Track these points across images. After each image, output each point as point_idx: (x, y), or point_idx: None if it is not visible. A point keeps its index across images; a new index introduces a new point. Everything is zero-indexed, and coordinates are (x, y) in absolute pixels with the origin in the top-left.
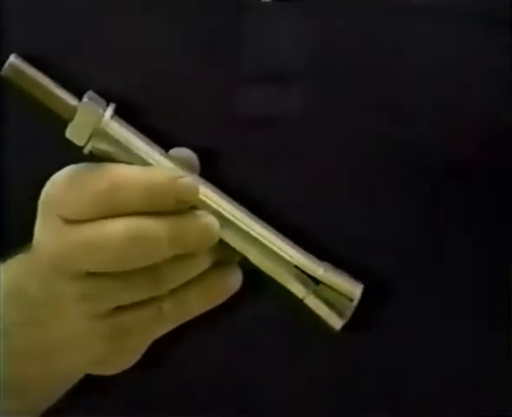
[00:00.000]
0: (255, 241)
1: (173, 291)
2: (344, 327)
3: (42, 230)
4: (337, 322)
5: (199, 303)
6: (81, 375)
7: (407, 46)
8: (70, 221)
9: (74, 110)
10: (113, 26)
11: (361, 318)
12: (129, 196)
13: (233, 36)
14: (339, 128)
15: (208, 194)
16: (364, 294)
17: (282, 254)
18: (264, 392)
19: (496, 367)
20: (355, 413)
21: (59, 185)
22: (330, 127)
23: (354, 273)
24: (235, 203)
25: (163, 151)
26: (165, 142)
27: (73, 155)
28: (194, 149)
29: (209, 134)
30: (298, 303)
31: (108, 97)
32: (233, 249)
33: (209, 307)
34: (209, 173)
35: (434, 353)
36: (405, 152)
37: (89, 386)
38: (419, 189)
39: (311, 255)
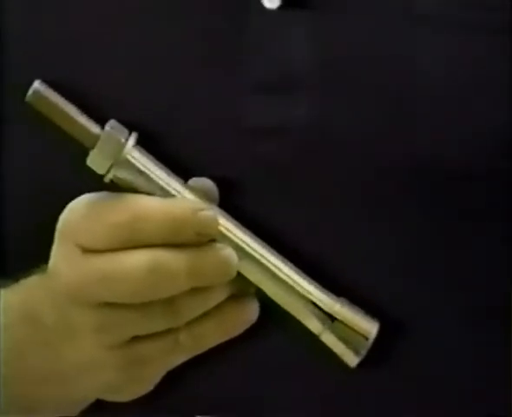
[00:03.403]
0: (273, 275)
1: (190, 322)
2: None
3: (59, 257)
4: (352, 360)
5: (215, 335)
6: (93, 400)
7: (408, 51)
8: (88, 251)
9: (96, 139)
10: (126, 38)
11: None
12: (149, 228)
13: (235, 45)
14: (343, 137)
15: (227, 226)
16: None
17: (299, 289)
18: None
19: (496, 367)
20: None
21: (77, 213)
22: (334, 136)
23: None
24: (253, 236)
25: (183, 181)
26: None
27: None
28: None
29: (211, 142)
30: (314, 338)
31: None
32: (250, 282)
33: (225, 338)
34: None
35: (434, 353)
36: (420, 163)
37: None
38: (423, 195)
39: (327, 291)
